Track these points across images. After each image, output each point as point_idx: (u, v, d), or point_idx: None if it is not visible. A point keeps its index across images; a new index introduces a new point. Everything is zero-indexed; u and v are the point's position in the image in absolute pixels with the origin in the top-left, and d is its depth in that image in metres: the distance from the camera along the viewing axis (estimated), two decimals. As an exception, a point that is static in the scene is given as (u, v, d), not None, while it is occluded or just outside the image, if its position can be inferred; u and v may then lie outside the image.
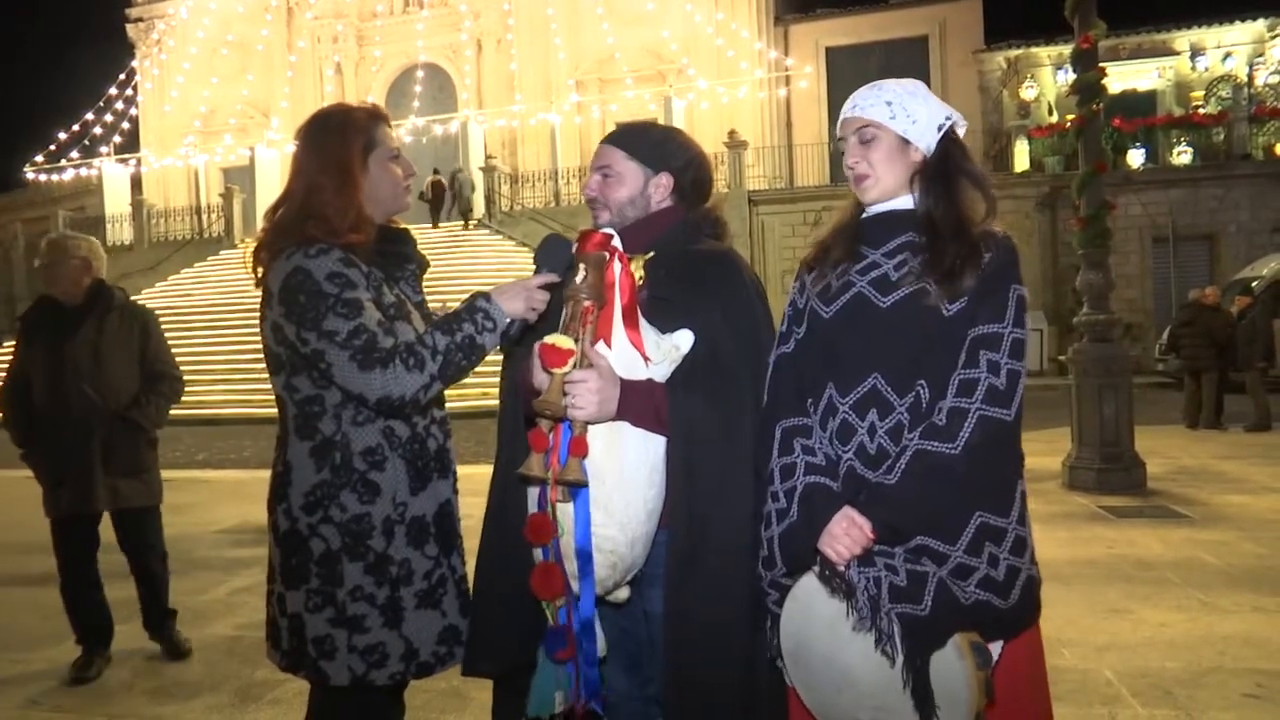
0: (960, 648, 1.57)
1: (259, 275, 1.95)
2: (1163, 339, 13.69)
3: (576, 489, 1.73)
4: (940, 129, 1.78)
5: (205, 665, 3.96)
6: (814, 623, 1.66)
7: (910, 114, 1.77)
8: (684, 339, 1.82)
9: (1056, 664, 3.48)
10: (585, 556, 1.74)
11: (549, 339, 1.75)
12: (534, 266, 1.99)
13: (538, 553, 1.80)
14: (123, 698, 3.64)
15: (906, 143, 1.77)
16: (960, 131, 1.83)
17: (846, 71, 23.39)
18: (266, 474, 2.06)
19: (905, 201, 1.79)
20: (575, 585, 1.77)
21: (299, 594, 1.90)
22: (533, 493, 1.81)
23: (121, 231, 25.88)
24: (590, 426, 1.74)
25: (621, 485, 1.75)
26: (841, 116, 1.85)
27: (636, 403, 1.76)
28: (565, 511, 1.74)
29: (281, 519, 1.93)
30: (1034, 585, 1.71)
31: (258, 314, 1.96)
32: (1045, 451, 7.87)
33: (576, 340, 1.75)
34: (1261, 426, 10.18)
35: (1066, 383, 7.70)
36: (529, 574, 1.80)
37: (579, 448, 1.72)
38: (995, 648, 1.65)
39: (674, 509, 1.78)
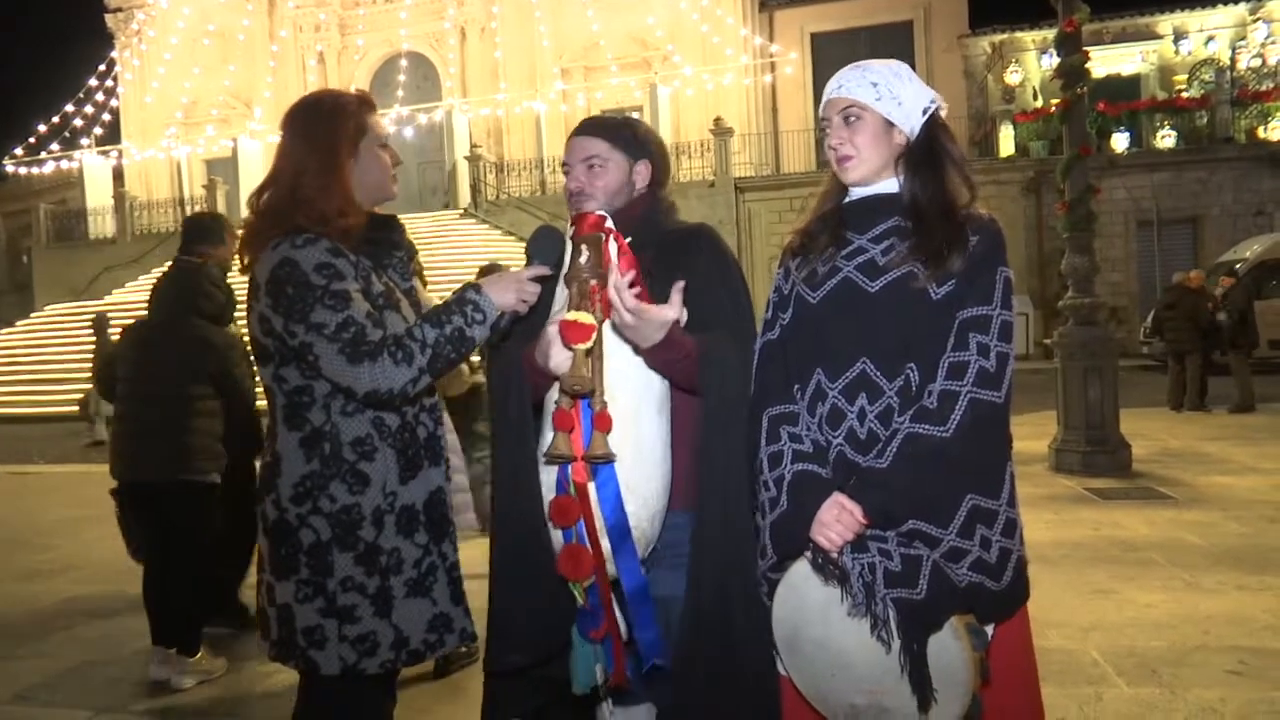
0: (956, 630, 1.57)
1: (245, 263, 1.94)
2: (1147, 322, 13.76)
3: (600, 466, 1.74)
4: (925, 112, 1.77)
5: (196, 658, 3.95)
6: (807, 608, 1.66)
7: (896, 96, 1.76)
8: (680, 315, 1.84)
9: (1043, 645, 3.52)
10: (620, 529, 1.74)
11: (569, 315, 1.76)
12: (523, 257, 1.99)
13: (558, 536, 1.80)
14: (111, 691, 3.63)
15: (891, 125, 1.76)
16: (942, 114, 1.82)
17: (832, 57, 23.28)
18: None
19: (889, 185, 1.79)
20: (605, 564, 1.78)
21: (288, 584, 1.89)
22: (547, 477, 1.81)
23: (103, 225, 25.62)
24: (608, 401, 1.75)
25: (639, 462, 1.77)
26: (826, 96, 1.83)
27: (668, 348, 1.78)
28: (593, 490, 1.75)
29: (270, 509, 1.92)
30: (1024, 567, 1.72)
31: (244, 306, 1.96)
32: (1031, 435, 7.91)
33: (594, 317, 1.76)
34: (1245, 408, 10.27)
35: (1052, 366, 7.74)
36: (547, 560, 1.81)
37: (603, 423, 1.73)
38: (988, 630, 1.65)
39: (707, 473, 1.80)
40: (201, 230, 4.05)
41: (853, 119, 1.77)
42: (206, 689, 3.61)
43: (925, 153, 1.76)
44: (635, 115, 2.28)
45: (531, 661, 1.94)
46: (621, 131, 2.03)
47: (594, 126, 2.05)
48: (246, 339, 3.26)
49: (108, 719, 3.40)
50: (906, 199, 1.75)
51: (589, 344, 1.74)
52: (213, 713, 3.43)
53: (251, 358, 3.67)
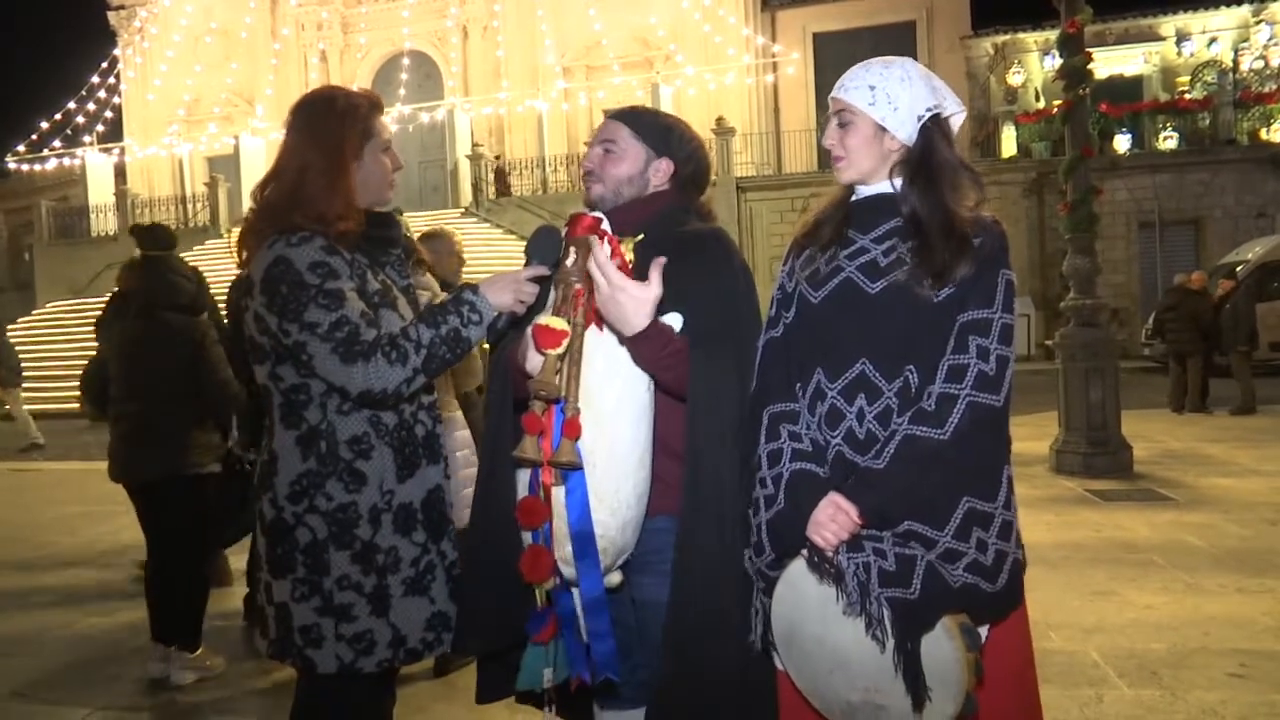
0: (950, 629, 1.57)
1: (242, 260, 1.94)
2: (1149, 323, 13.77)
3: (569, 471, 1.73)
4: (920, 119, 1.74)
5: (194, 656, 3.95)
6: (805, 606, 1.66)
7: (892, 101, 1.73)
8: (674, 321, 1.82)
9: (1044, 646, 3.51)
10: (584, 538, 1.73)
11: (542, 319, 1.75)
12: (523, 256, 1.99)
13: (527, 536, 1.80)
14: (110, 689, 3.63)
15: (883, 130, 1.74)
16: (956, 121, 1.79)
17: (834, 57, 23.28)
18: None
19: (889, 185, 1.78)
20: (566, 569, 1.77)
21: (285, 583, 1.89)
22: (523, 476, 1.80)
23: (105, 222, 25.62)
24: (582, 409, 1.74)
25: (611, 469, 1.75)
26: (831, 94, 1.82)
27: (655, 342, 1.77)
28: (557, 494, 1.74)
29: (267, 508, 1.91)
30: (1019, 569, 1.72)
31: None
32: (1033, 436, 7.91)
33: (570, 322, 1.75)
34: (1246, 409, 10.26)
35: (1054, 367, 7.73)
36: (517, 555, 1.80)
37: (572, 430, 1.72)
38: (982, 631, 1.65)
39: (691, 482, 1.79)
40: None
41: (846, 122, 1.77)
42: (205, 686, 3.60)
43: (921, 163, 1.74)
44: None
45: (488, 649, 1.96)
46: (649, 124, 2.01)
47: (624, 113, 2.04)
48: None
49: (106, 716, 3.40)
50: (906, 210, 1.74)
51: (560, 350, 1.73)
52: (211, 710, 3.43)
53: (220, 345, 3.74)
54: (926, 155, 1.74)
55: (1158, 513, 5.79)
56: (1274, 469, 7.07)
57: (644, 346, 1.77)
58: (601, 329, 1.80)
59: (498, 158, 23.75)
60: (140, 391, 3.71)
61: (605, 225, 1.85)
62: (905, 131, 1.74)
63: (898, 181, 1.76)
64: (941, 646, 1.57)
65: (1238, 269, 14.68)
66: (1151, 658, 3.48)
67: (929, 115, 1.75)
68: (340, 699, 1.96)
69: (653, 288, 1.75)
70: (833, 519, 1.63)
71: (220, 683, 3.65)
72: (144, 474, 3.70)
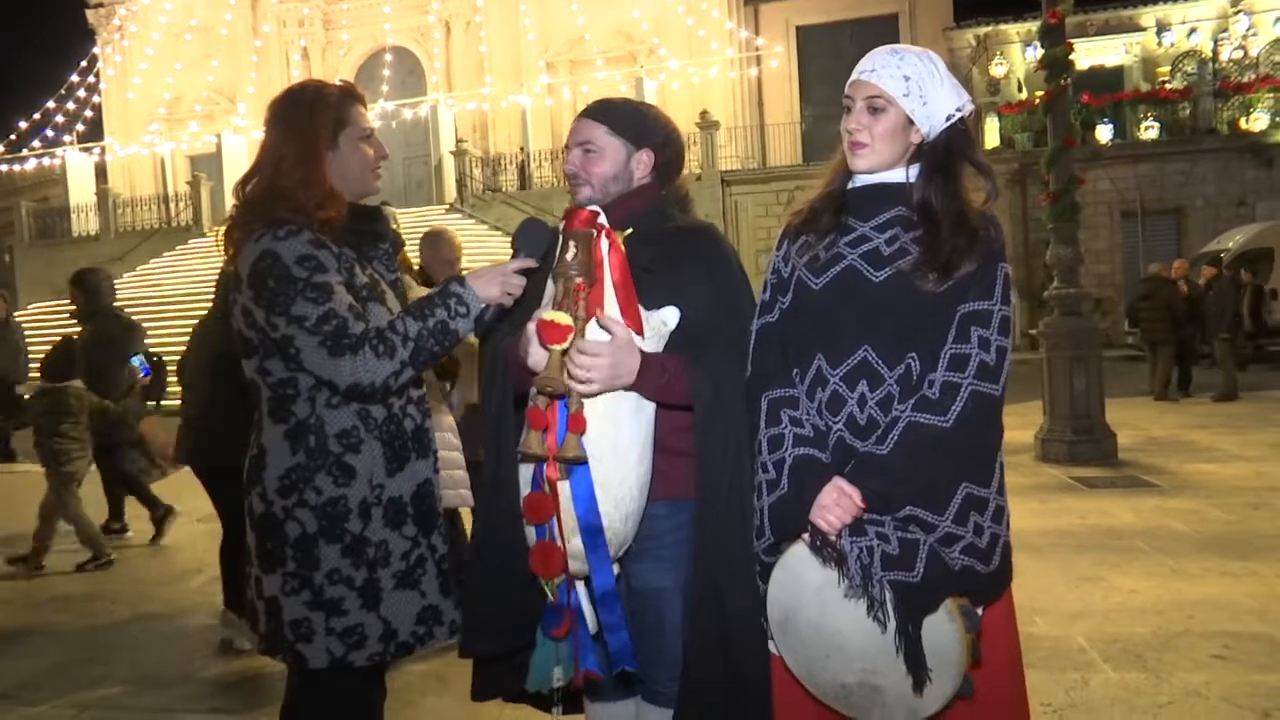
0: (951, 612, 1.61)
1: (229, 255, 1.94)
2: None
3: (574, 466, 1.73)
4: (949, 119, 1.75)
5: (183, 654, 3.94)
6: (803, 590, 1.69)
7: (924, 96, 1.74)
8: (670, 315, 1.83)
9: (1030, 632, 3.54)
10: (593, 530, 1.74)
11: (546, 314, 1.74)
12: (510, 251, 1.98)
13: (531, 532, 1.79)
14: (95, 689, 3.62)
15: (910, 122, 1.75)
16: (968, 117, 1.79)
17: (817, 50, 23.32)
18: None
19: (896, 175, 1.78)
20: (573, 564, 1.77)
21: (275, 577, 1.89)
22: (526, 472, 1.80)
23: (87, 222, 25.41)
24: (585, 403, 1.74)
25: (615, 462, 1.75)
26: (855, 74, 1.80)
27: (653, 374, 1.77)
28: (563, 489, 1.74)
29: (256, 502, 1.91)
30: (1009, 551, 1.76)
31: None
32: (1018, 424, 7.93)
33: (573, 317, 1.75)
34: (1229, 396, 10.35)
35: (1038, 357, 7.78)
36: (522, 555, 1.80)
37: (577, 424, 1.72)
38: (978, 612, 1.69)
39: (705, 479, 1.81)
40: None
41: (877, 108, 1.76)
42: (196, 684, 3.60)
43: (944, 159, 1.75)
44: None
45: (499, 651, 1.95)
46: (623, 117, 1.99)
47: (596, 110, 2.01)
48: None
49: (92, 716, 3.38)
50: (918, 200, 1.75)
51: (565, 345, 1.72)
52: (201, 707, 3.42)
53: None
54: (953, 153, 1.76)
55: (1142, 499, 5.84)
56: (1256, 454, 7.14)
57: (644, 383, 1.77)
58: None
59: (521, 150, 23.51)
60: (209, 383, 3.99)
61: (602, 219, 1.84)
62: (928, 127, 1.76)
63: (913, 172, 1.77)
64: (943, 628, 1.61)
65: (1221, 256, 14.78)
66: (1136, 641, 3.52)
67: (959, 116, 1.76)
68: (331, 693, 1.96)
69: (617, 337, 1.75)
70: (837, 503, 1.65)
71: (210, 680, 3.64)
72: (211, 459, 3.96)
